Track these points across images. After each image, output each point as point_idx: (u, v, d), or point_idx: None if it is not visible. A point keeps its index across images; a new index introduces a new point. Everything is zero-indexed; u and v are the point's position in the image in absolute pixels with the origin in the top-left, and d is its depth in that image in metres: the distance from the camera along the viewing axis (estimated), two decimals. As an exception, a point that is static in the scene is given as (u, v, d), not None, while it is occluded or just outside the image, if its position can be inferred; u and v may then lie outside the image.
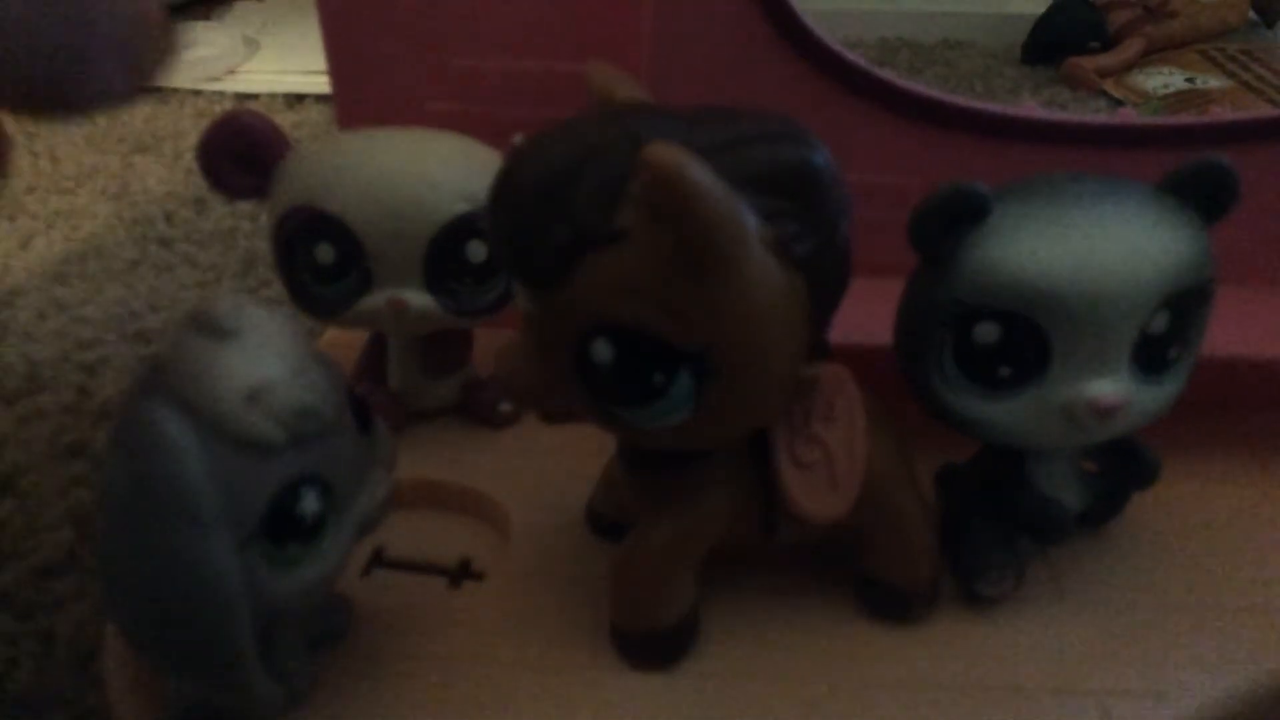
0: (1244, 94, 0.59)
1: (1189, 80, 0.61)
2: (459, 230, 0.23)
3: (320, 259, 0.23)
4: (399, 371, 0.26)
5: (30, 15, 0.16)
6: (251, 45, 0.62)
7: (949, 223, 0.19)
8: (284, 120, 0.54)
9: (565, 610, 0.22)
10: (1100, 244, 0.18)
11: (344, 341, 0.29)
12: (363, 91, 0.28)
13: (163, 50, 0.20)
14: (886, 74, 0.26)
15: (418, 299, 0.23)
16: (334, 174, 0.23)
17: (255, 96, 0.56)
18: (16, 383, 0.33)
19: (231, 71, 0.58)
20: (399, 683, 0.20)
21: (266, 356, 0.16)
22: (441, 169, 0.23)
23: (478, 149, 0.24)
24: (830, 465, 0.19)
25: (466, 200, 0.23)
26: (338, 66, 0.28)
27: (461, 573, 0.23)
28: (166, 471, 0.15)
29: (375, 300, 0.23)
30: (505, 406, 0.27)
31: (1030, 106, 0.27)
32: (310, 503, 0.17)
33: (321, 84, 0.55)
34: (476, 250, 0.23)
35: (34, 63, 0.16)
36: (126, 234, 0.43)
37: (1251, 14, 0.70)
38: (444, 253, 0.23)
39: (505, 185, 0.17)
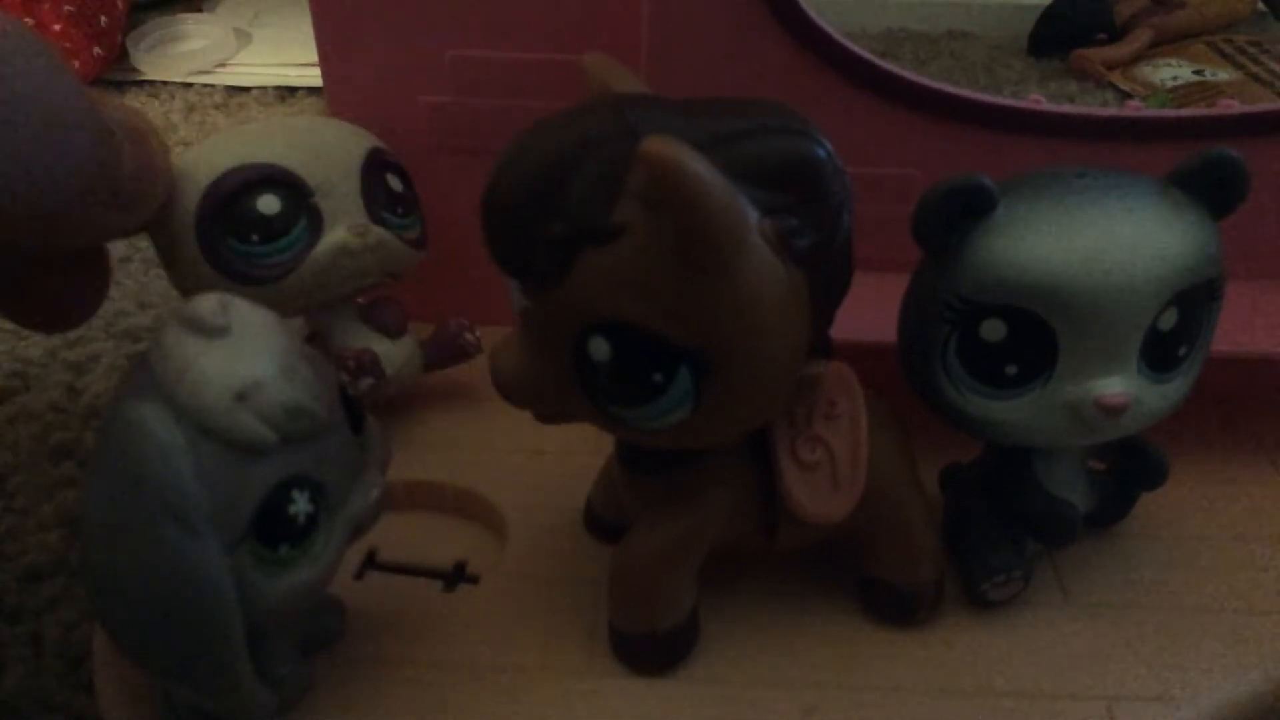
0: (1253, 86, 0.59)
1: (1197, 72, 0.61)
2: (375, 163, 0.25)
3: (265, 211, 0.23)
4: (359, 341, 0.26)
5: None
6: (243, 38, 0.61)
7: (954, 217, 0.19)
8: (276, 114, 0.54)
9: (562, 613, 0.21)
10: (1108, 239, 0.18)
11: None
12: (354, 84, 0.28)
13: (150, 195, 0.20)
14: (891, 65, 0.25)
15: (375, 228, 0.24)
16: (257, 135, 0.23)
17: (247, 90, 0.56)
18: (3, 381, 0.33)
19: (222, 64, 0.58)
20: (393, 687, 0.20)
21: (256, 355, 0.16)
22: (335, 121, 0.26)
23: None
24: (832, 465, 0.19)
25: (371, 140, 0.25)
26: (329, 59, 0.28)
27: (456, 575, 0.23)
28: (154, 472, 0.15)
29: (333, 235, 0.23)
30: (469, 335, 0.27)
31: (1037, 99, 0.27)
32: (301, 504, 0.17)
33: (314, 77, 0.55)
34: (395, 180, 0.25)
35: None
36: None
37: (1260, 5, 0.69)
38: (372, 184, 0.24)
39: (500, 179, 0.17)
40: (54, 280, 0.21)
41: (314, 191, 0.23)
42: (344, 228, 0.24)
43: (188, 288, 0.24)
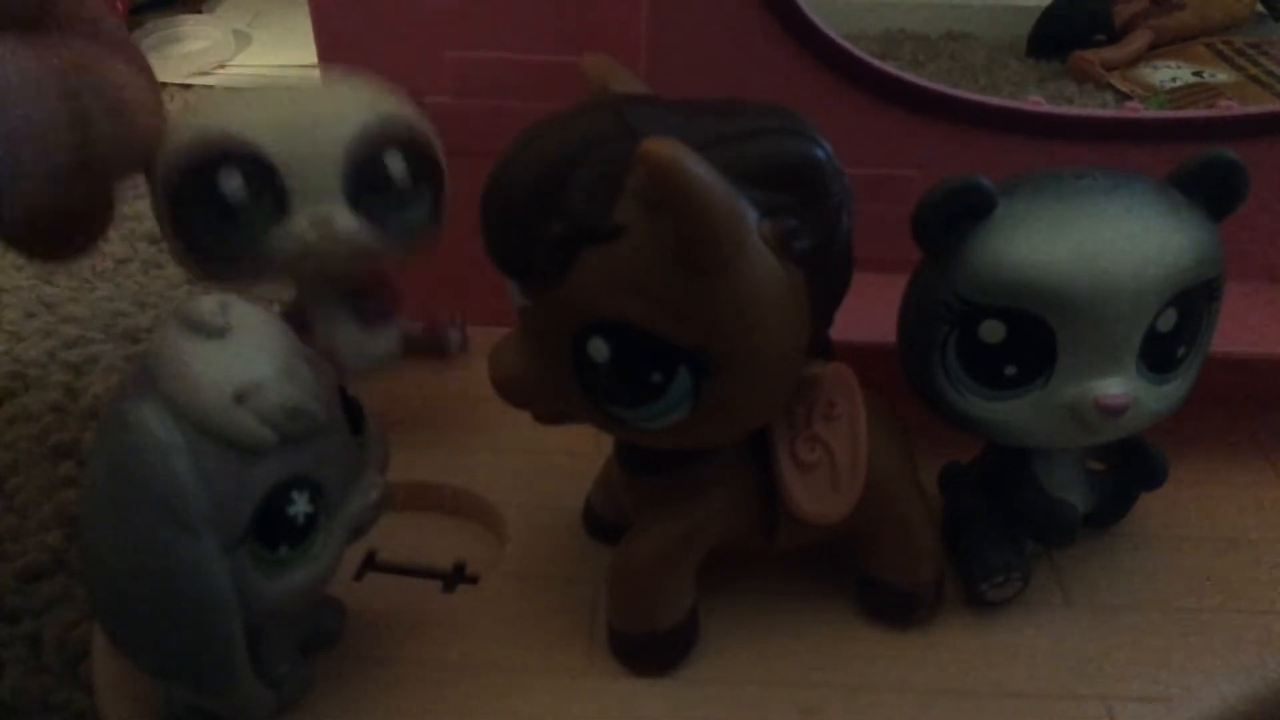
0: (1252, 87, 0.59)
1: (1196, 74, 0.61)
2: (373, 139, 0.22)
3: (226, 189, 0.20)
4: (329, 329, 0.24)
5: None
6: (242, 39, 0.61)
7: (953, 218, 0.19)
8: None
9: (562, 613, 0.21)
10: (1107, 240, 0.18)
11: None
12: (355, 84, 0.28)
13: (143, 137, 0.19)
14: (890, 66, 0.25)
15: (343, 217, 0.21)
16: (230, 104, 0.21)
17: (246, 91, 0.56)
18: (3, 382, 0.33)
19: (222, 65, 0.58)
20: (392, 687, 0.20)
21: (255, 355, 0.16)
22: (344, 85, 0.22)
23: (373, 81, 0.23)
24: (832, 466, 0.19)
25: (375, 112, 0.22)
26: (329, 59, 0.28)
27: (456, 576, 0.23)
28: (153, 473, 0.15)
29: (296, 222, 0.21)
30: (455, 333, 0.25)
31: (1035, 100, 0.27)
32: (301, 504, 0.17)
33: (313, 78, 0.54)
34: (395, 160, 0.22)
35: None
36: (114, 231, 0.43)
37: (1259, 7, 0.69)
38: (361, 165, 0.21)
39: (499, 179, 0.17)
40: (52, 219, 0.20)
41: (280, 170, 0.21)
42: (306, 216, 0.21)
43: (175, 259, 0.22)
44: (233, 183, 0.21)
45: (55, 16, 0.19)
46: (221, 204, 0.21)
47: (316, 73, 0.27)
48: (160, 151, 0.21)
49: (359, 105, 0.22)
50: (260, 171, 0.21)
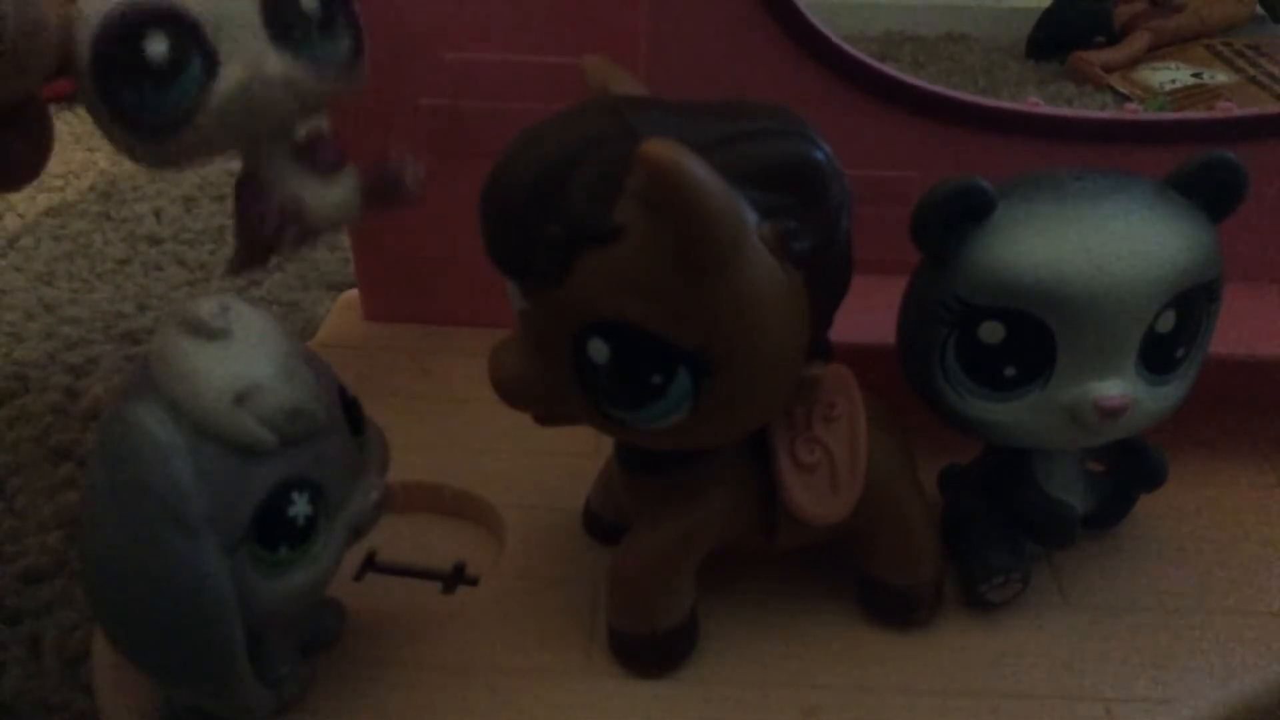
0: (1251, 89, 0.59)
1: (1196, 75, 0.61)
2: None
3: (152, 54, 0.20)
4: (287, 186, 0.24)
5: None
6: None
7: (952, 219, 0.19)
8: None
9: (562, 614, 0.21)
10: (1106, 241, 0.18)
11: (334, 343, 0.28)
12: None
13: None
14: (889, 68, 0.25)
15: (274, 58, 0.21)
16: None
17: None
18: (3, 384, 0.33)
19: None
20: (392, 688, 0.20)
21: (255, 357, 0.16)
22: None
23: None
24: (831, 467, 0.19)
25: None
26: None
27: (456, 577, 0.23)
28: (153, 474, 0.15)
29: (229, 75, 0.21)
30: (410, 168, 0.25)
31: (1035, 101, 0.27)
32: (301, 506, 0.17)
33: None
34: None
35: None
36: (115, 233, 0.43)
37: (1258, 8, 0.69)
38: (278, 3, 0.21)
39: (499, 180, 0.17)
40: None
41: (205, 28, 0.21)
42: (239, 65, 0.21)
43: (111, 138, 0.22)
44: (159, 46, 0.20)
45: None
46: (151, 70, 0.20)
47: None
48: (75, 32, 0.20)
49: None
50: (183, 29, 0.21)
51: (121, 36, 0.20)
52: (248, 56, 0.21)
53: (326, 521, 0.17)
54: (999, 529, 0.22)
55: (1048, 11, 0.67)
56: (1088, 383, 0.19)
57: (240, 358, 0.16)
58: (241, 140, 0.23)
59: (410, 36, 0.27)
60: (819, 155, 0.16)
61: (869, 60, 0.25)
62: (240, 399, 0.16)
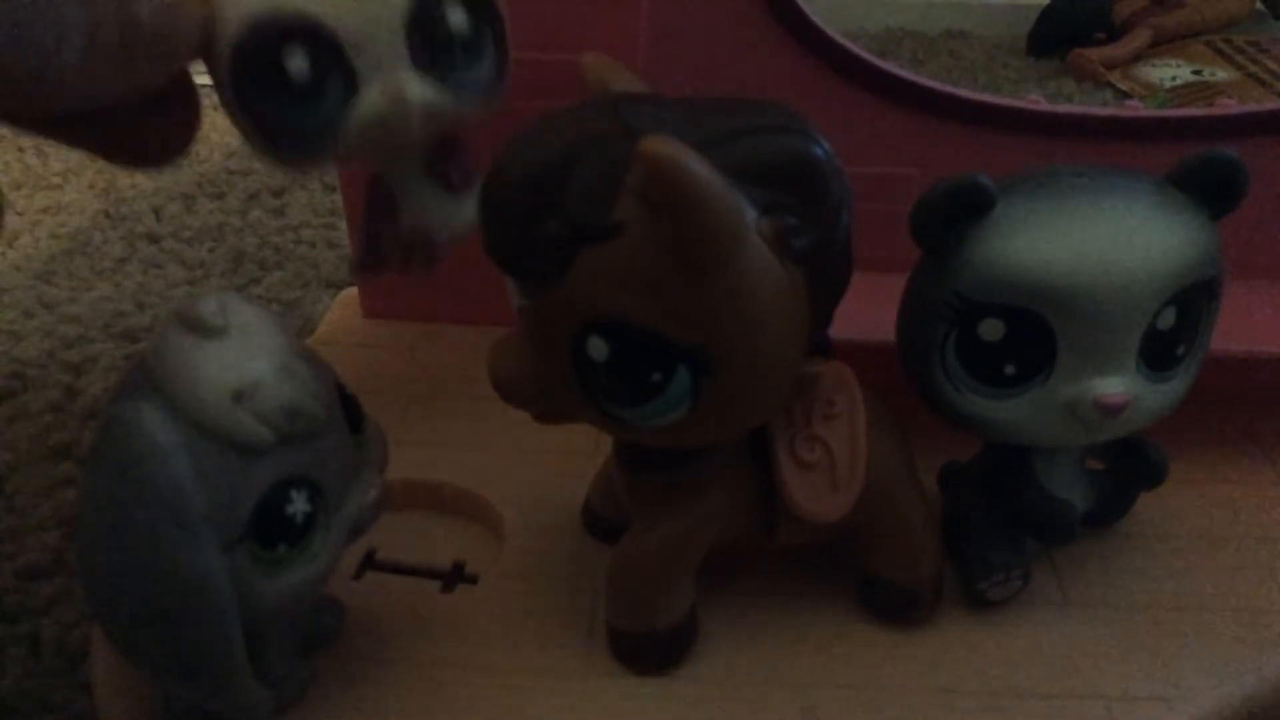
0: (1251, 86, 0.59)
1: (1196, 72, 0.61)
2: None
3: (294, 71, 0.20)
4: (415, 204, 0.23)
5: None
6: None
7: (952, 216, 0.19)
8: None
9: (561, 613, 0.21)
10: (1106, 238, 0.18)
11: (334, 340, 0.28)
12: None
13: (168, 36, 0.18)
14: (889, 65, 0.25)
15: (415, 85, 0.21)
16: None
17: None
18: (2, 382, 0.33)
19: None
20: (391, 687, 0.20)
21: (254, 354, 0.16)
22: None
23: None
24: (831, 465, 0.19)
25: None
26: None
27: (455, 575, 0.23)
28: (152, 472, 0.15)
29: (368, 100, 0.20)
30: None
31: (1035, 98, 0.27)
32: (299, 504, 0.17)
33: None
34: (455, 14, 0.21)
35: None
36: (114, 231, 0.43)
37: (1259, 5, 0.69)
38: (424, 24, 0.21)
39: (498, 178, 0.16)
40: (130, 119, 0.19)
41: (346, 47, 0.20)
42: (378, 90, 0.20)
43: (250, 144, 0.21)
44: (300, 63, 0.20)
45: None
46: (289, 85, 0.20)
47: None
48: (216, 34, 0.20)
49: None
50: (325, 47, 0.20)
51: (260, 50, 0.20)
52: (389, 82, 0.20)
53: (325, 520, 0.17)
54: (999, 527, 0.22)
55: (1048, 8, 0.67)
56: (1088, 380, 0.19)
57: (239, 355, 0.16)
58: (378, 155, 0.22)
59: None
60: (819, 152, 0.16)
61: (869, 57, 0.25)
62: (239, 397, 0.16)
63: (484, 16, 0.21)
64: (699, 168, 0.14)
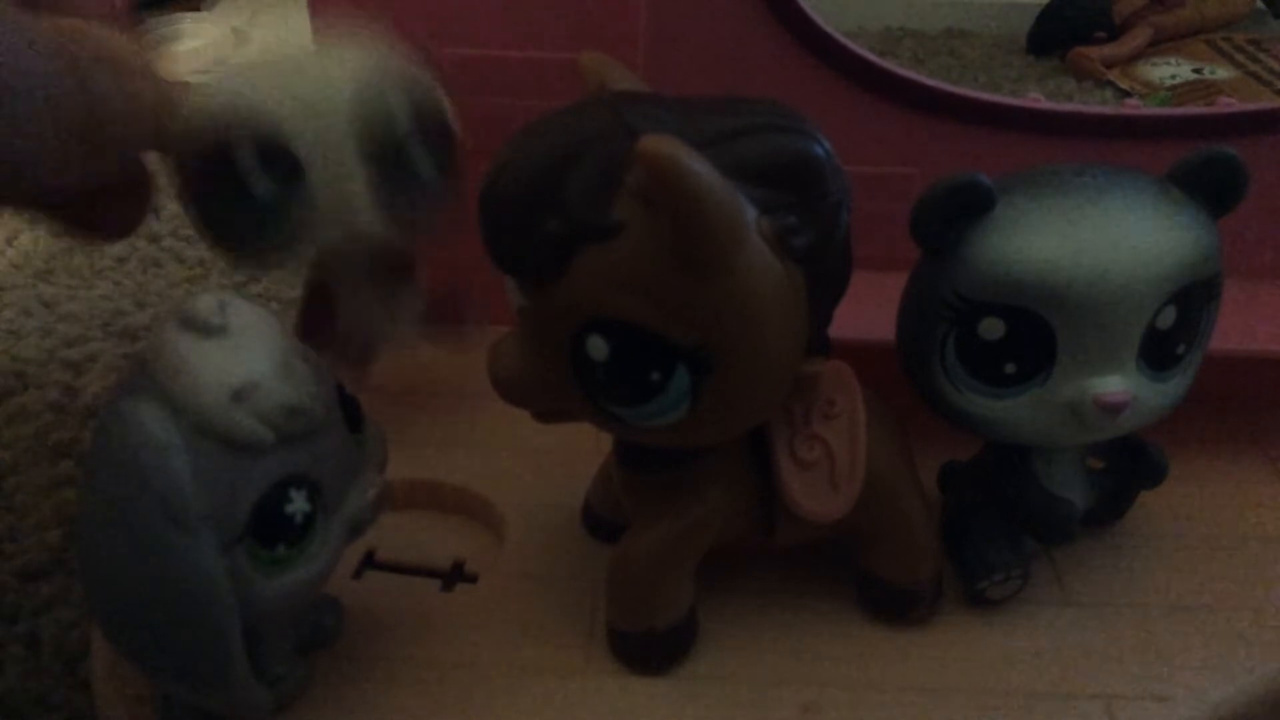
0: (1251, 84, 0.59)
1: (1196, 70, 0.61)
2: (383, 118, 0.21)
3: (245, 172, 0.20)
4: (356, 307, 0.24)
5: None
6: (240, 36, 0.61)
7: (952, 215, 0.19)
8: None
9: (561, 612, 0.21)
10: (1106, 237, 0.18)
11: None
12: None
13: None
14: (889, 64, 0.25)
15: (367, 214, 0.21)
16: (241, 83, 0.20)
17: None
18: (1, 381, 0.33)
19: (220, 64, 0.58)
20: (390, 686, 0.20)
21: (253, 354, 0.16)
22: (341, 52, 0.22)
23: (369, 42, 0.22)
24: (831, 464, 0.19)
25: (377, 86, 0.21)
26: (328, 57, 0.28)
27: (455, 575, 0.23)
28: (151, 471, 0.15)
29: (328, 230, 0.21)
30: (470, 323, 0.25)
31: (1035, 97, 0.27)
32: (298, 503, 0.17)
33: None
34: (425, 166, 0.21)
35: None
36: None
37: (1259, 3, 0.69)
38: (389, 167, 0.21)
39: (497, 177, 0.16)
40: (88, 202, 0.19)
41: (304, 164, 0.20)
42: (338, 225, 0.21)
43: (202, 239, 0.22)
44: (251, 167, 0.20)
45: (61, 6, 0.18)
46: (241, 189, 0.20)
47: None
48: (174, 132, 0.20)
49: (358, 73, 0.21)
50: (276, 154, 0.20)
51: (215, 153, 0.20)
52: (340, 209, 0.21)
53: (325, 519, 0.17)
54: (999, 526, 0.22)
55: (1048, 7, 0.67)
56: (1088, 379, 0.19)
57: (238, 355, 0.16)
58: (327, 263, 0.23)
59: (408, 32, 0.27)
60: (818, 151, 0.16)
61: (869, 56, 0.25)
62: (238, 396, 0.16)
63: (447, 166, 0.22)
64: (698, 167, 0.14)
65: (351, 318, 0.24)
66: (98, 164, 0.18)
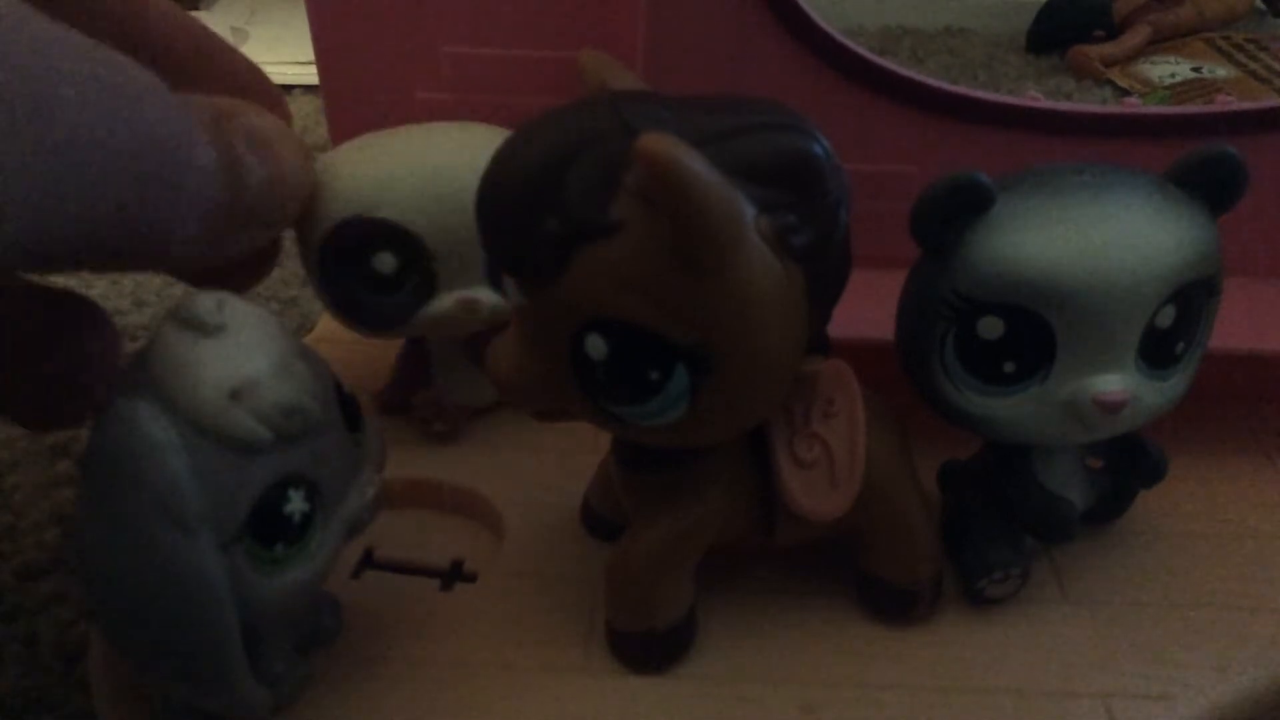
0: (1251, 83, 0.59)
1: (1196, 69, 0.61)
2: None
3: (380, 269, 0.22)
4: (451, 373, 0.26)
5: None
6: (240, 35, 0.61)
7: (951, 214, 0.19)
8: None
9: (560, 612, 0.21)
10: (1106, 236, 0.18)
11: (331, 338, 0.28)
12: (351, 81, 0.28)
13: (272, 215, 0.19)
14: (888, 62, 0.25)
15: (488, 296, 0.23)
16: (386, 179, 0.22)
17: (245, 87, 0.56)
18: (1, 379, 0.33)
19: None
20: (390, 686, 0.20)
21: (251, 353, 0.16)
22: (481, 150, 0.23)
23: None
24: (830, 463, 0.19)
25: None
26: (325, 56, 0.28)
27: (454, 574, 0.23)
28: (148, 471, 0.15)
29: (442, 303, 0.23)
30: None
31: (1034, 95, 0.27)
32: (297, 503, 0.17)
33: (311, 75, 0.54)
34: None
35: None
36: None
37: (1258, 2, 0.69)
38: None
39: (495, 175, 0.16)
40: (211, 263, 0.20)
41: (434, 256, 0.22)
42: (454, 299, 0.23)
43: (328, 310, 0.24)
44: (388, 265, 0.22)
45: (211, 71, 0.20)
46: (375, 280, 0.23)
47: (314, 70, 0.28)
48: (311, 217, 0.22)
49: (478, 152, 0.22)
50: (413, 255, 0.22)
51: (354, 246, 0.22)
52: (462, 293, 0.23)
53: (323, 518, 0.17)
54: (998, 525, 0.22)
55: (1048, 5, 0.66)
56: (1087, 378, 0.19)
57: (236, 354, 0.16)
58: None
59: (407, 30, 0.27)
60: (817, 149, 0.16)
61: (868, 54, 0.25)
62: (236, 395, 0.16)
63: None
64: (697, 165, 0.14)
65: (446, 379, 0.26)
66: (241, 245, 0.19)
